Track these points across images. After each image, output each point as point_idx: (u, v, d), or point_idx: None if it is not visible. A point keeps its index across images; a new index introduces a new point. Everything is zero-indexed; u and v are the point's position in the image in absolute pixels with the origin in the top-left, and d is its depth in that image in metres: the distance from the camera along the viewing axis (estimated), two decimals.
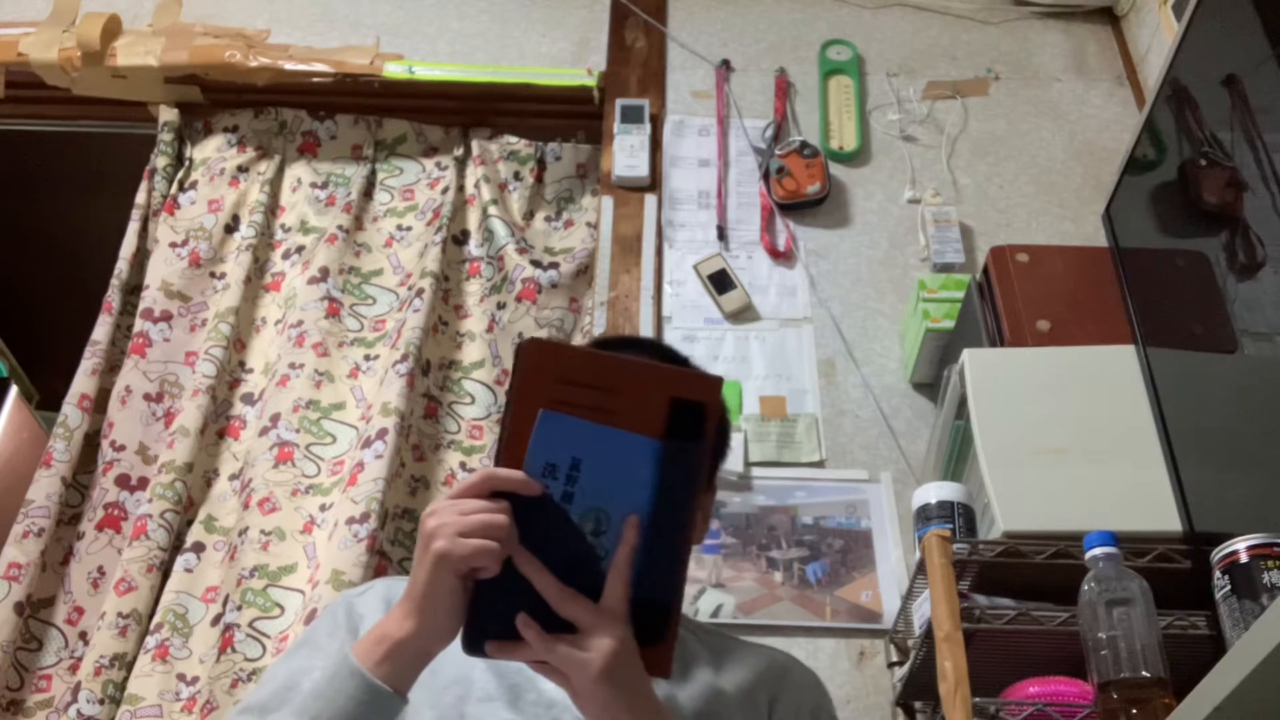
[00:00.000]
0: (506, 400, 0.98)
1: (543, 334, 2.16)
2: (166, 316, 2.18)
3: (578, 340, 2.16)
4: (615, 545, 0.96)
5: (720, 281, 2.09)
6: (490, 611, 0.95)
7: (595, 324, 2.04)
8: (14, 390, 2.85)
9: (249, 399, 2.12)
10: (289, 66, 2.34)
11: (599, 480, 0.96)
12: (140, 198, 2.32)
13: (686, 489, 0.97)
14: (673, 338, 2.03)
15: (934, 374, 1.90)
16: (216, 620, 1.85)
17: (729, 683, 1.16)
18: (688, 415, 0.97)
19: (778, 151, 2.21)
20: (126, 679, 1.81)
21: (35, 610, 1.92)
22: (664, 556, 0.97)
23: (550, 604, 0.94)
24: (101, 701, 1.77)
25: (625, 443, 0.96)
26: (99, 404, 2.09)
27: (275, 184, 2.35)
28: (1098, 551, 1.25)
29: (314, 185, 2.35)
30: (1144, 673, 1.17)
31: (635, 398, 0.97)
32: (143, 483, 2.03)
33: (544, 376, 0.96)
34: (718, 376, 1.01)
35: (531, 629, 0.93)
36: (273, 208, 2.33)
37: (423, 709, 1.07)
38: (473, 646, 0.95)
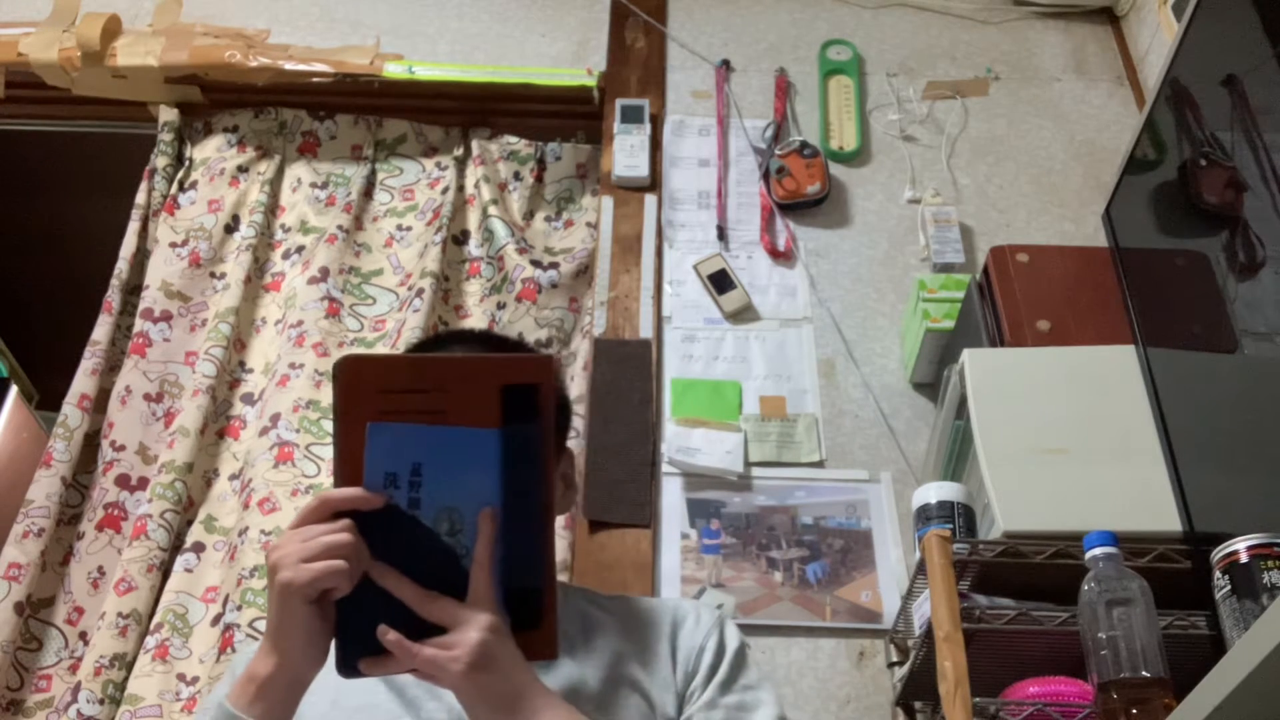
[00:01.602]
0: (333, 421, 0.98)
1: (542, 334, 2.16)
2: (166, 316, 2.18)
3: (578, 340, 2.16)
4: (474, 541, 0.96)
5: (720, 281, 2.09)
6: (357, 630, 0.95)
7: (595, 324, 2.04)
8: (14, 390, 2.85)
9: (249, 399, 2.12)
10: (289, 66, 2.34)
11: (444, 480, 0.96)
12: (140, 198, 2.32)
13: (534, 471, 0.98)
14: (673, 338, 2.03)
15: (934, 374, 1.90)
16: (216, 620, 1.85)
17: (634, 644, 1.16)
18: (521, 399, 0.97)
19: (778, 151, 2.21)
20: (126, 679, 1.81)
21: (35, 610, 1.92)
22: (526, 541, 0.97)
23: (414, 609, 0.95)
24: (101, 701, 1.77)
25: (463, 438, 0.96)
26: (99, 404, 2.10)
27: (275, 184, 2.35)
28: (1098, 551, 1.25)
29: (314, 185, 2.35)
30: (1144, 673, 1.17)
31: (464, 393, 0.97)
32: (143, 483, 2.03)
33: (365, 390, 0.96)
34: (547, 355, 1.02)
35: (390, 636, 0.94)
36: (273, 208, 2.33)
37: None
38: (347, 668, 0.96)
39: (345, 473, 0.96)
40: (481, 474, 0.97)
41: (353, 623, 0.96)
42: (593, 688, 1.11)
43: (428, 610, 0.95)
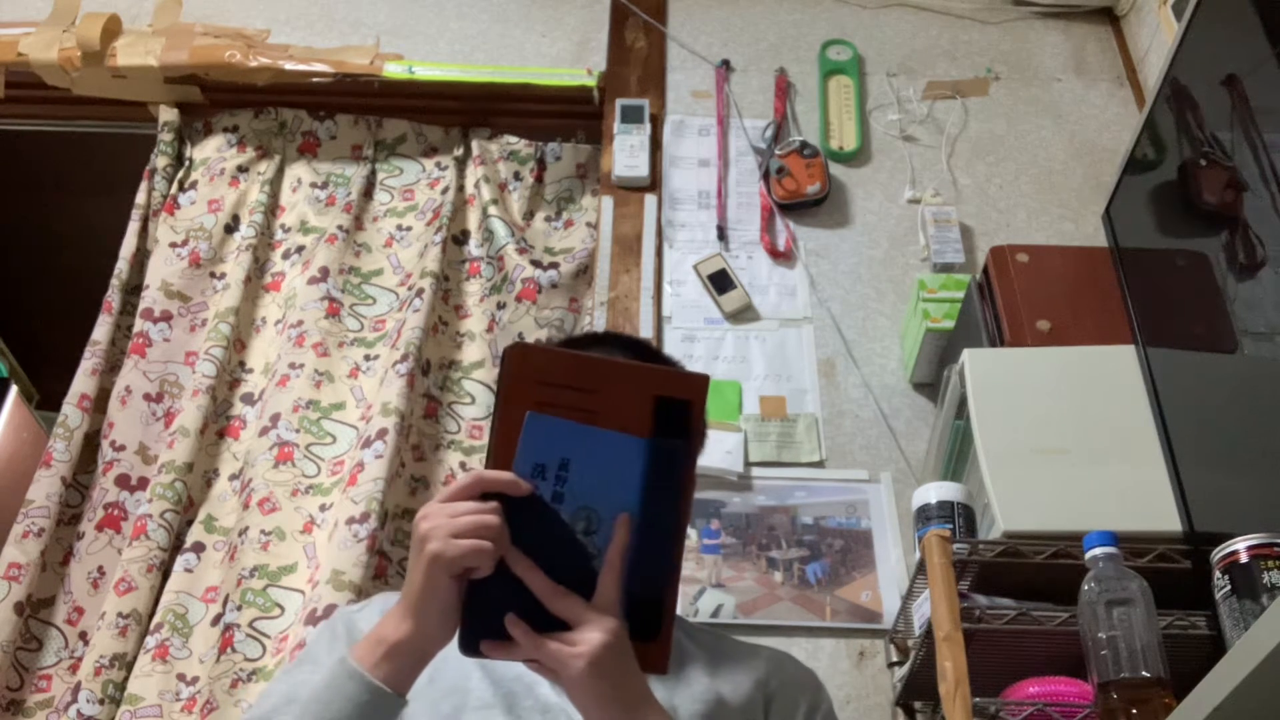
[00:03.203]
0: (494, 405, 1.00)
1: (542, 334, 2.16)
2: (166, 316, 2.18)
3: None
4: (606, 544, 0.97)
5: (720, 281, 2.09)
6: (484, 612, 0.96)
7: (595, 324, 2.04)
8: (14, 390, 2.85)
9: (249, 399, 2.12)
10: (289, 66, 2.34)
11: (588, 480, 0.97)
12: (140, 198, 2.32)
13: (674, 486, 0.99)
14: (673, 338, 2.03)
15: (934, 374, 1.90)
16: (216, 620, 1.85)
17: (726, 684, 1.17)
18: (673, 413, 0.99)
19: (778, 151, 2.21)
20: (126, 679, 1.81)
21: (35, 610, 1.92)
22: (656, 553, 0.98)
23: (542, 602, 0.95)
24: (101, 701, 1.77)
25: (612, 442, 0.98)
26: (99, 404, 2.09)
27: (275, 184, 2.35)
28: (1098, 551, 1.25)
29: (314, 185, 2.35)
30: (1144, 673, 1.17)
31: (621, 398, 0.98)
32: (143, 483, 2.03)
33: (530, 380, 0.98)
34: (703, 375, 1.02)
35: (519, 627, 0.95)
36: (273, 208, 2.33)
37: (420, 718, 1.08)
38: (468, 647, 0.97)
39: (499, 456, 0.97)
40: (624, 480, 0.98)
41: (481, 603, 0.97)
42: (682, 714, 1.11)
43: (556, 604, 0.95)
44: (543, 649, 0.94)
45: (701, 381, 1.01)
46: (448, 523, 0.95)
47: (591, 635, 0.94)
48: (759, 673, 1.19)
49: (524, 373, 0.98)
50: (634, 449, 0.98)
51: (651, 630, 0.98)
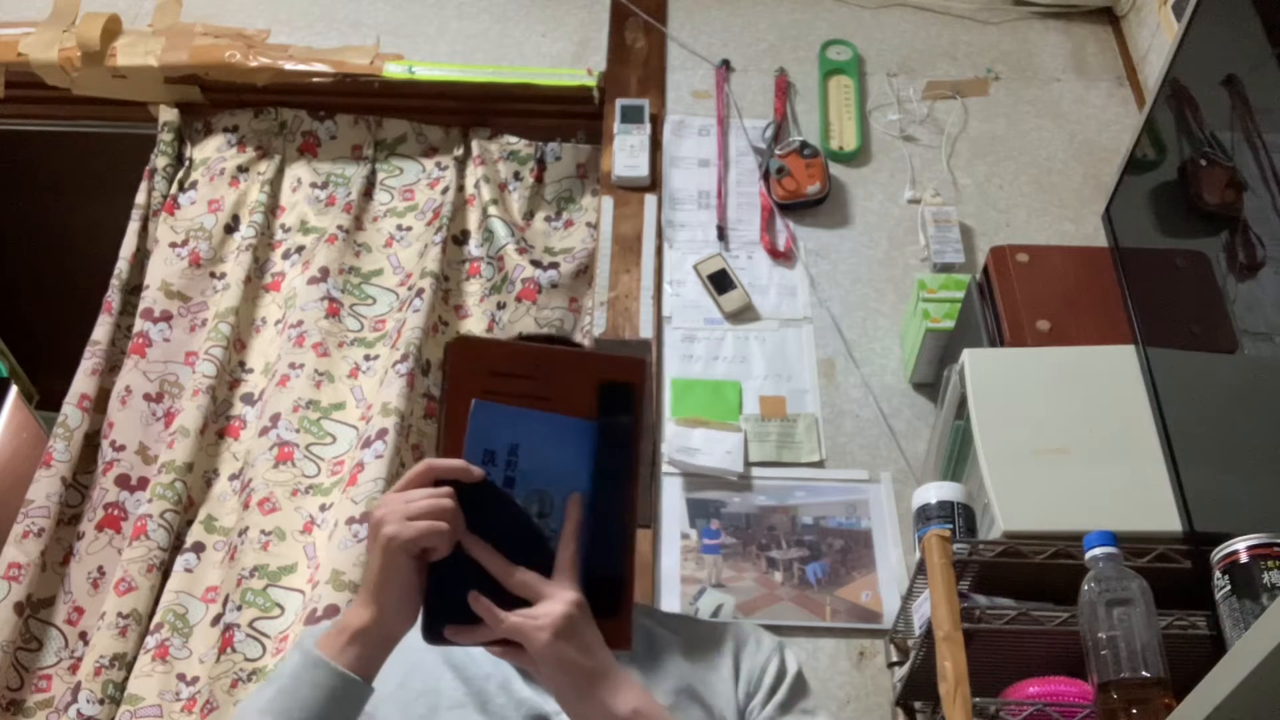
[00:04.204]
0: (441, 396, 1.02)
1: (543, 334, 2.16)
2: (166, 316, 2.18)
3: (578, 340, 2.16)
4: (561, 525, 1.00)
5: (720, 281, 2.09)
6: (446, 598, 0.98)
7: (595, 324, 2.04)
8: (14, 390, 2.85)
9: (249, 399, 2.12)
10: (289, 66, 2.34)
11: (539, 463, 1.00)
12: (140, 198, 2.32)
13: (624, 466, 1.02)
14: (673, 338, 2.03)
15: (934, 374, 1.90)
16: (216, 620, 1.85)
17: (697, 660, 1.18)
18: (617, 396, 1.02)
19: (778, 151, 2.21)
20: (126, 679, 1.81)
21: (35, 610, 1.92)
22: (610, 531, 1.01)
23: (501, 581, 0.97)
24: (101, 701, 1.77)
25: (560, 426, 1.00)
26: (99, 404, 2.09)
27: (275, 184, 2.35)
28: (1098, 551, 1.25)
29: (314, 185, 2.35)
30: (1144, 673, 1.17)
31: (565, 383, 1.01)
32: (143, 483, 2.03)
33: (475, 369, 1.00)
34: (643, 358, 1.05)
35: (481, 602, 0.96)
36: (273, 208, 2.33)
37: None
38: (432, 634, 0.98)
39: (448, 445, 1.00)
40: (574, 462, 1.01)
41: (441, 590, 0.98)
42: (658, 696, 1.11)
43: (514, 583, 0.97)
44: (506, 623, 0.96)
45: (641, 365, 1.04)
46: (402, 507, 0.97)
47: (553, 606, 0.96)
48: (727, 645, 1.20)
49: (469, 363, 1.01)
50: (582, 431, 1.01)
51: (611, 607, 1.00)
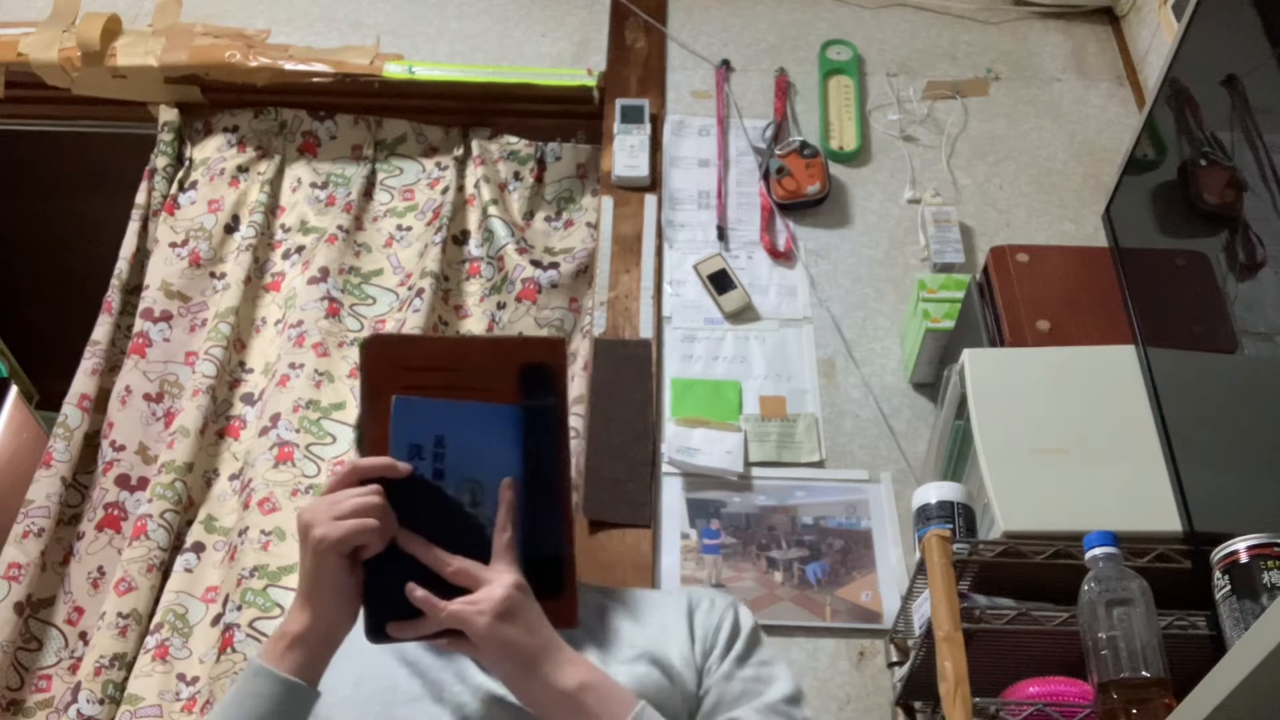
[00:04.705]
0: (360, 397, 1.02)
1: (542, 334, 2.16)
2: (166, 316, 2.18)
3: (578, 340, 2.16)
4: (495, 511, 1.00)
5: (720, 281, 2.09)
6: (385, 595, 0.98)
7: (595, 324, 2.04)
8: (14, 390, 2.85)
9: (249, 399, 2.12)
10: (289, 66, 2.34)
11: (467, 453, 1.01)
12: (140, 198, 2.32)
13: (551, 445, 1.03)
14: (673, 338, 2.03)
15: (934, 374, 1.90)
16: (216, 620, 1.85)
17: (652, 624, 1.19)
18: (538, 378, 1.03)
19: (778, 151, 2.21)
20: (126, 679, 1.81)
21: (35, 610, 1.92)
22: (546, 511, 1.02)
23: (438, 572, 0.98)
24: (101, 701, 1.77)
25: (484, 413, 1.01)
26: (99, 404, 2.09)
27: (275, 184, 2.35)
28: (1098, 551, 1.25)
29: (314, 185, 2.35)
30: (1144, 673, 1.17)
31: (484, 370, 1.02)
32: (143, 483, 2.03)
33: (391, 366, 1.01)
34: (560, 337, 1.06)
35: (418, 593, 0.97)
36: (273, 208, 2.33)
37: None
38: (375, 633, 0.99)
39: (372, 444, 1.00)
40: (502, 447, 1.01)
41: (380, 588, 0.99)
42: (615, 667, 1.12)
43: (452, 572, 0.98)
44: (445, 612, 0.96)
45: (559, 344, 1.05)
46: (329, 508, 0.97)
47: (492, 590, 0.97)
48: (681, 609, 1.21)
49: (384, 361, 1.01)
50: (506, 416, 1.01)
51: (555, 586, 1.01)
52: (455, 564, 0.98)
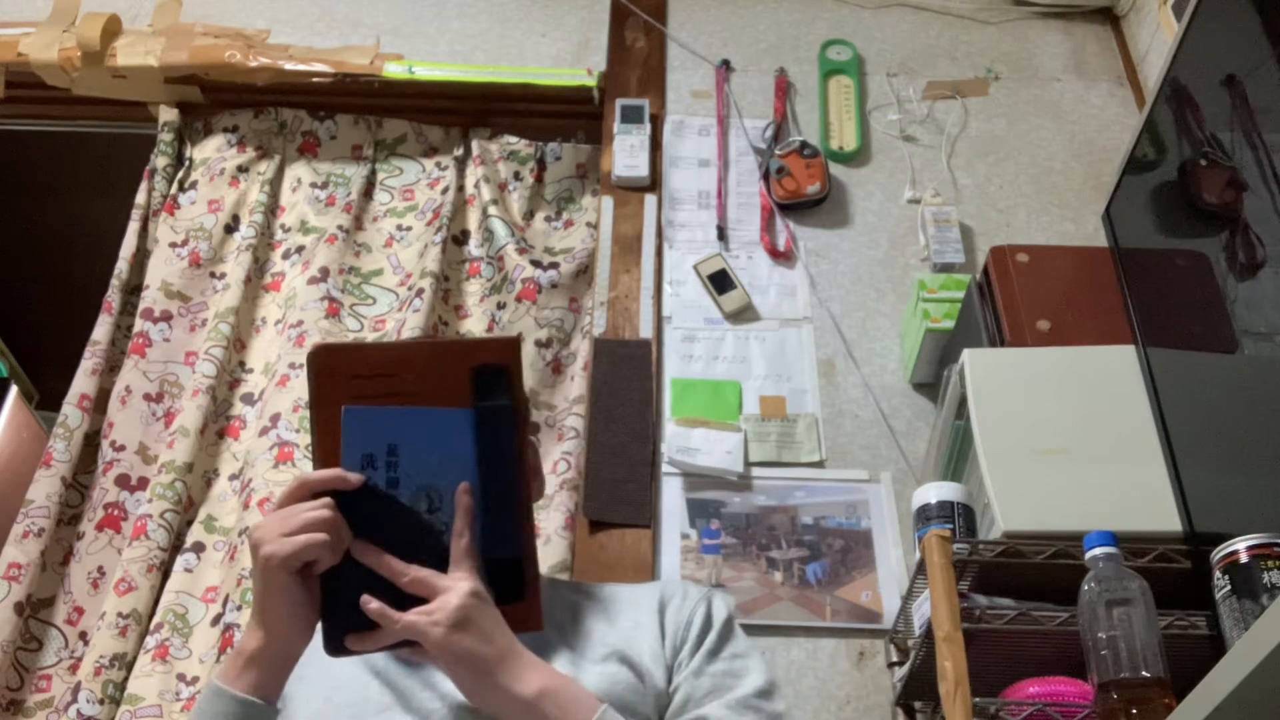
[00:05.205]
0: (309, 409, 1.00)
1: (543, 334, 2.16)
2: (166, 316, 2.18)
3: (578, 340, 2.16)
4: (453, 517, 0.98)
5: (720, 281, 2.09)
6: (342, 609, 0.97)
7: (595, 324, 2.04)
8: (14, 390, 2.85)
9: (249, 399, 2.12)
10: (289, 66, 2.34)
11: (421, 460, 0.99)
12: (140, 198, 2.32)
13: (508, 448, 1.01)
14: (673, 338, 2.03)
15: (934, 374, 1.90)
16: (216, 620, 1.85)
17: (623, 620, 1.18)
18: (490, 379, 1.01)
19: (778, 151, 2.21)
20: (126, 679, 1.81)
21: (35, 610, 1.92)
22: (504, 515, 1.00)
23: (394, 582, 0.97)
24: (101, 701, 1.77)
25: (437, 419, 0.99)
26: (99, 404, 2.09)
27: (275, 184, 2.35)
28: (1098, 551, 1.25)
29: (314, 185, 2.35)
30: (1144, 673, 1.17)
31: (435, 375, 1.00)
32: (143, 483, 2.03)
33: (338, 375, 0.99)
34: (513, 336, 1.05)
35: (372, 605, 0.96)
36: (273, 208, 2.33)
37: None
38: (334, 646, 0.98)
39: (323, 456, 0.99)
40: (457, 452, 0.99)
41: (337, 601, 0.98)
42: (585, 667, 1.11)
43: (408, 582, 0.97)
44: (401, 623, 0.95)
45: (513, 343, 1.03)
46: (278, 524, 0.96)
47: (447, 599, 0.96)
48: (653, 603, 1.19)
49: (331, 370, 0.99)
50: (460, 420, 0.99)
51: (516, 590, 1.00)
52: (411, 573, 0.97)
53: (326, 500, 0.97)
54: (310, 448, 1.00)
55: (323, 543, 0.96)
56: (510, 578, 1.00)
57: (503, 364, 1.01)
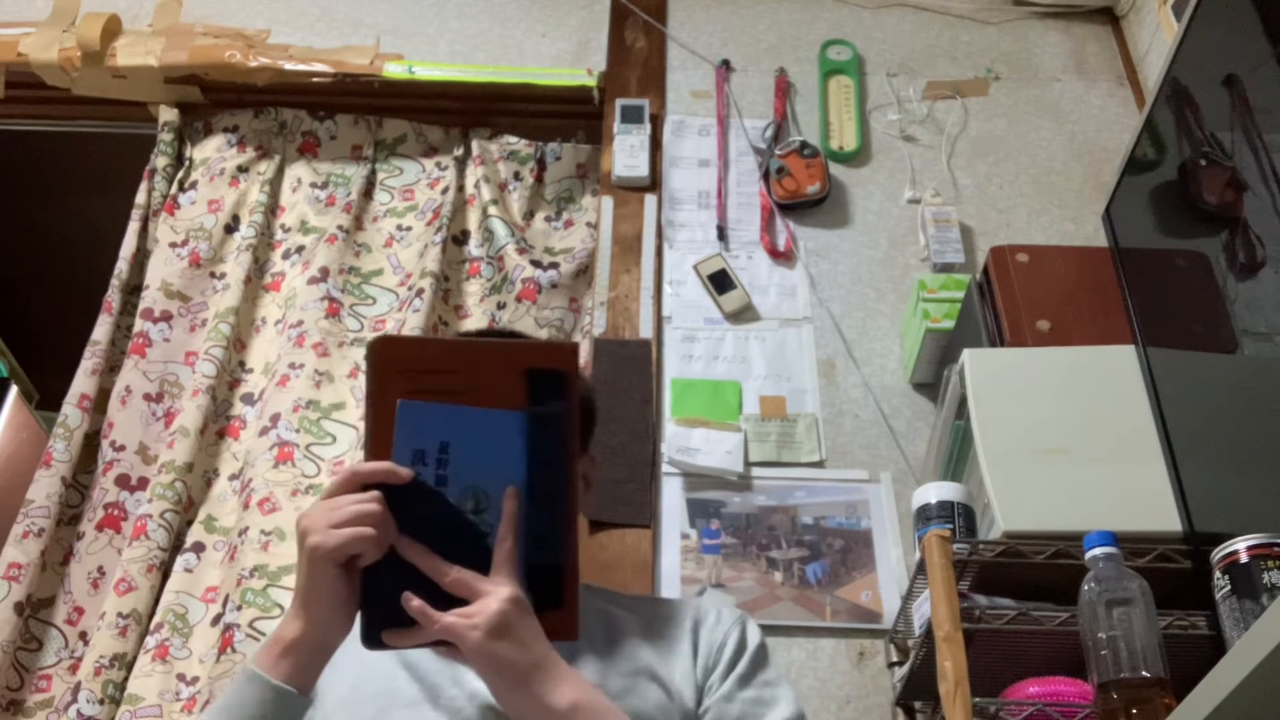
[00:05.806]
0: (365, 399, 1.00)
1: (543, 334, 2.16)
2: (166, 316, 2.18)
3: (578, 340, 2.16)
4: (498, 520, 0.98)
5: (720, 281, 2.09)
6: (382, 602, 0.97)
7: (595, 324, 2.04)
8: (14, 390, 2.85)
9: (249, 399, 2.12)
10: (289, 66, 2.34)
11: (471, 459, 0.98)
12: (140, 198, 2.32)
13: (558, 455, 1.00)
14: (673, 338, 2.03)
15: (934, 374, 1.90)
16: (216, 620, 1.85)
17: (655, 637, 1.18)
18: (546, 383, 1.00)
19: (778, 151, 2.21)
20: (126, 679, 1.81)
21: (35, 610, 1.92)
22: (550, 522, 0.99)
23: (436, 581, 0.96)
24: (101, 701, 1.77)
25: (490, 419, 0.99)
26: (99, 404, 2.09)
27: (275, 184, 2.35)
28: (1098, 551, 1.25)
29: (314, 185, 2.35)
30: (1144, 673, 1.17)
31: (491, 375, 0.99)
32: (143, 483, 2.03)
33: (397, 369, 0.99)
34: (573, 343, 1.03)
35: (413, 603, 0.95)
36: (273, 208, 2.33)
37: None
38: (371, 640, 0.97)
39: (375, 448, 0.98)
40: (507, 454, 0.99)
41: (377, 595, 0.97)
42: (614, 680, 1.12)
43: (450, 582, 0.97)
44: (440, 624, 0.95)
45: (571, 350, 1.02)
46: (326, 515, 0.96)
47: (487, 604, 0.95)
48: (687, 622, 1.20)
49: (391, 363, 0.99)
50: (511, 423, 0.99)
51: (555, 598, 0.99)
52: (453, 574, 0.97)
53: (375, 494, 0.97)
54: (365, 440, 0.99)
55: (368, 537, 0.95)
56: (550, 585, 0.99)
57: (560, 369, 1.01)
